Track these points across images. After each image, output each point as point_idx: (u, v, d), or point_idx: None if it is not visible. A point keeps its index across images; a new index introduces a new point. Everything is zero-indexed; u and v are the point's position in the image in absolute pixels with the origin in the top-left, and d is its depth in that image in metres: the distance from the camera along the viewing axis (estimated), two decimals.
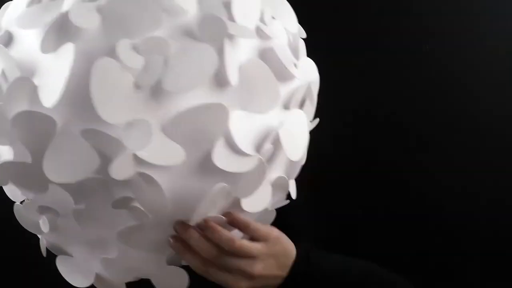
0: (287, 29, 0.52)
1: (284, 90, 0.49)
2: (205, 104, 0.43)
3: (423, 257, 0.90)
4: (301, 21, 0.56)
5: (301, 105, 0.52)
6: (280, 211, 0.56)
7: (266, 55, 0.48)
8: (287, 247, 0.54)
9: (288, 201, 0.55)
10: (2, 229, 0.79)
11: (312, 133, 0.56)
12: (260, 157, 0.46)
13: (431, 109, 0.87)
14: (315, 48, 0.57)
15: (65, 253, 0.55)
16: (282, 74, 0.48)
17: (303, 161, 0.56)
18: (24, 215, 0.54)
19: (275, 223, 0.56)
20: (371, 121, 0.88)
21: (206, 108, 0.43)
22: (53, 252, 0.57)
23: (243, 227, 0.51)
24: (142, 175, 0.43)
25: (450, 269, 0.90)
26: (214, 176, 0.45)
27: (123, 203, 0.46)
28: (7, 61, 0.45)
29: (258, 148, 0.46)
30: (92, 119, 0.42)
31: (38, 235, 0.58)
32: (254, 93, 0.46)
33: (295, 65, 0.50)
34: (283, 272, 0.53)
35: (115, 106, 0.42)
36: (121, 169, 0.42)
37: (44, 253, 0.58)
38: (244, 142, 0.46)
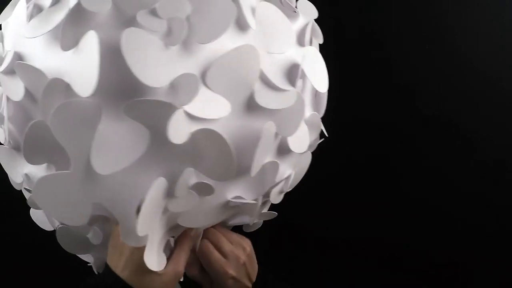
0: None
1: (294, 28, 0.51)
2: (235, 47, 0.44)
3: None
4: None
5: (310, 43, 0.54)
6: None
7: None
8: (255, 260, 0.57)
9: (322, 139, 0.56)
10: None
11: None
12: (298, 91, 0.47)
13: (431, 110, 0.89)
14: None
15: None
16: (288, 14, 0.50)
17: (325, 101, 0.57)
18: (71, 235, 0.51)
19: None
20: (371, 121, 0.89)
21: (237, 52, 0.44)
22: None
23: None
24: (201, 132, 0.42)
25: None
26: (259, 119, 0.46)
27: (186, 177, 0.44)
28: (31, 73, 0.44)
29: (292, 83, 0.48)
30: (132, 96, 0.42)
31: (86, 259, 0.55)
32: (271, 34, 0.48)
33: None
34: (249, 283, 0.55)
35: (154, 69, 0.41)
36: (178, 130, 0.41)
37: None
38: (279, 79, 0.47)
